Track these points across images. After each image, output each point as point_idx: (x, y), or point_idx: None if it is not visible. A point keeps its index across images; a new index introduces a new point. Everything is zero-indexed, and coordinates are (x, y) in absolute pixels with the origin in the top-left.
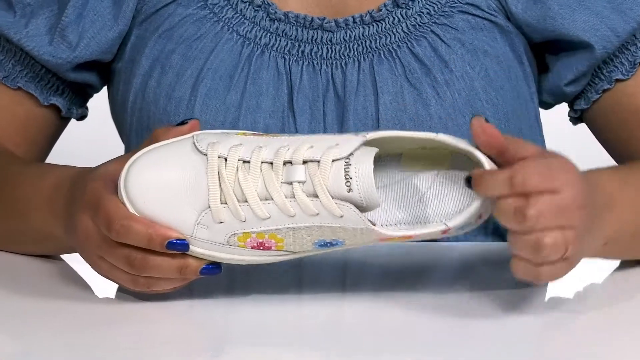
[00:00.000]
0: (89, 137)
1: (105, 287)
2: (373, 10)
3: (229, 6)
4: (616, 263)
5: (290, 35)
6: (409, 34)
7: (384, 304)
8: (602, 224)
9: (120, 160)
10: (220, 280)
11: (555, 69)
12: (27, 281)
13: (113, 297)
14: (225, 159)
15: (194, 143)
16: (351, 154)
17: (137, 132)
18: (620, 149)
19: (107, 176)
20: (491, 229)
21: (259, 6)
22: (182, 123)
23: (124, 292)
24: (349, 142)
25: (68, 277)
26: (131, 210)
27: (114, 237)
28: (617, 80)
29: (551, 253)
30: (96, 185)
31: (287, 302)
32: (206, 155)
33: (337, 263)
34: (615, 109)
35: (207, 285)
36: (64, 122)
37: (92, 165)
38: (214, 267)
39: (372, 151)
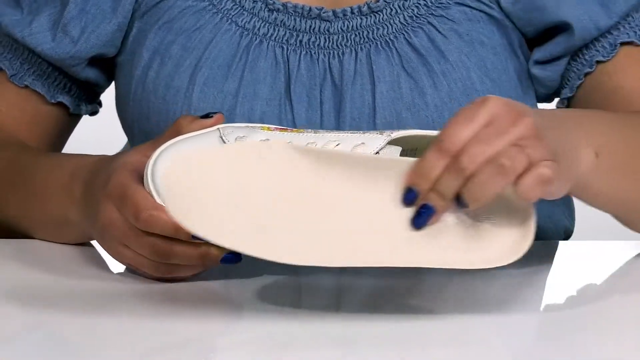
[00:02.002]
0: (90, 134)
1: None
2: (371, 1)
3: None
4: (614, 262)
5: (289, 25)
6: (406, 25)
7: (381, 300)
8: (576, 127)
9: (141, 151)
10: (219, 270)
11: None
12: (45, 262)
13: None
14: None
15: (220, 137)
16: (377, 152)
17: (138, 122)
18: None
19: (131, 166)
20: None
21: None
22: (207, 116)
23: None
24: (374, 140)
25: (86, 258)
26: (158, 200)
27: (141, 226)
28: (598, 62)
29: (502, 169)
30: (121, 176)
31: (284, 293)
32: None
33: None
34: (596, 89)
35: (208, 276)
36: (74, 118)
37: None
38: (234, 256)
39: (397, 150)
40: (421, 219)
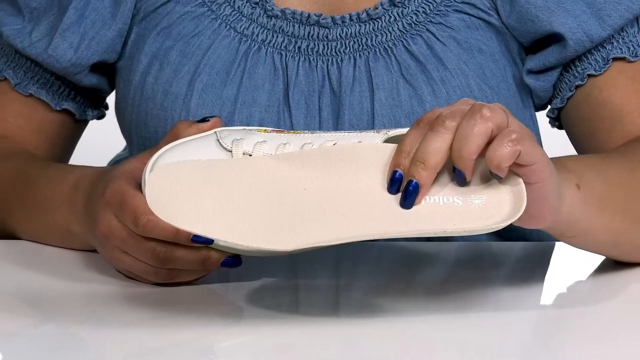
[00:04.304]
0: (90, 137)
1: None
2: (370, 8)
3: (227, 3)
4: (610, 262)
5: (287, 32)
6: (405, 32)
7: (379, 300)
8: (562, 161)
9: (139, 158)
10: (218, 272)
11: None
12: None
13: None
14: (250, 155)
15: (217, 140)
16: None
17: (136, 128)
18: (586, 144)
19: (129, 173)
20: None
21: (257, 3)
22: (204, 120)
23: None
24: (371, 139)
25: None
26: None
27: (140, 231)
28: (589, 76)
29: (480, 113)
30: (119, 183)
31: (282, 294)
32: (231, 151)
33: (330, 260)
34: (586, 102)
35: (207, 278)
36: (81, 123)
37: (96, 163)
38: (234, 259)
39: (394, 148)
40: (408, 197)
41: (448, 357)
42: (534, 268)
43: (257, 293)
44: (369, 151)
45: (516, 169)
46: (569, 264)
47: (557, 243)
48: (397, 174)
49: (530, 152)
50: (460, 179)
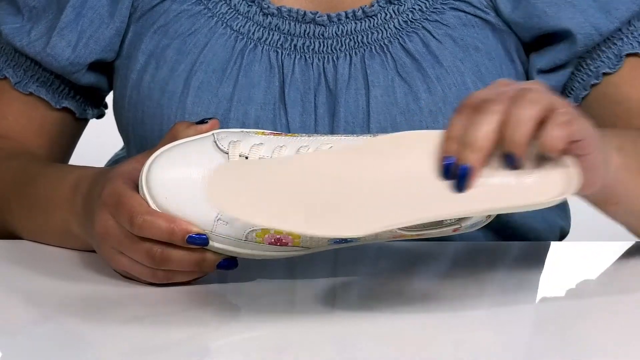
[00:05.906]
0: (89, 137)
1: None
2: (366, 5)
3: (223, 1)
4: (607, 259)
5: (283, 30)
6: (401, 29)
7: (376, 299)
8: (601, 130)
9: (138, 159)
10: (215, 272)
11: (532, 61)
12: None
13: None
14: (247, 158)
15: (214, 141)
16: None
17: (133, 127)
18: None
19: (126, 174)
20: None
21: (253, 1)
22: (202, 122)
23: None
24: None
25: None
26: (152, 206)
27: (136, 231)
28: (604, 74)
29: (529, 97)
30: (116, 183)
31: (279, 293)
32: (227, 153)
33: (327, 260)
34: (602, 100)
35: (204, 278)
36: (81, 122)
37: (95, 163)
38: (230, 262)
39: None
40: (461, 181)
41: (445, 356)
42: (530, 268)
43: (254, 292)
44: (414, 139)
45: (568, 145)
46: (565, 264)
47: (553, 243)
48: (448, 160)
49: (581, 129)
50: (512, 163)
